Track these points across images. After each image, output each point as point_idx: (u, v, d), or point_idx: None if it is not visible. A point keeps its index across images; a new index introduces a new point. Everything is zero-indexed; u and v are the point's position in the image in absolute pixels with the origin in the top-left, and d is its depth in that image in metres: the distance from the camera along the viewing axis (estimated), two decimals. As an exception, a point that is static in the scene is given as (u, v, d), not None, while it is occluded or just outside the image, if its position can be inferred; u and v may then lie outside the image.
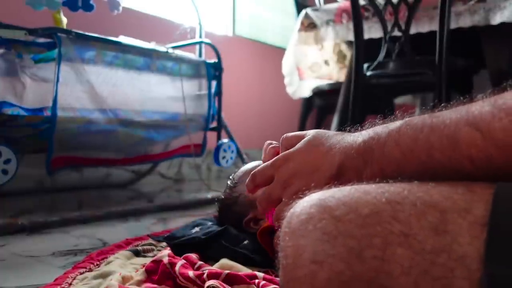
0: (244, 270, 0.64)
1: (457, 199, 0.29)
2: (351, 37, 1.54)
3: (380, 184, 0.34)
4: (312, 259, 0.31)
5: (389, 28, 1.42)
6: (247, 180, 0.50)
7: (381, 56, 1.45)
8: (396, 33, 1.41)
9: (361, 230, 0.30)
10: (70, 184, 1.79)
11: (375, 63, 1.47)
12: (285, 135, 0.51)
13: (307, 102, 2.37)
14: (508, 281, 0.25)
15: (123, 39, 1.45)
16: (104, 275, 0.66)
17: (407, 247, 0.29)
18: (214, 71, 1.68)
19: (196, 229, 0.82)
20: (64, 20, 1.34)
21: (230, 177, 0.87)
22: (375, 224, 0.30)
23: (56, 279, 0.67)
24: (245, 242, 0.73)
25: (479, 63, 1.56)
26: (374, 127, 0.41)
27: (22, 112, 1.15)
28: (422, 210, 0.30)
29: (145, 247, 0.84)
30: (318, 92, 2.19)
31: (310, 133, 0.48)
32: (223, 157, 1.73)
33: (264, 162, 0.51)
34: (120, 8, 1.43)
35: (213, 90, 1.68)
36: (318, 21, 1.77)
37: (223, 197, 0.85)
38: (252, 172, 0.50)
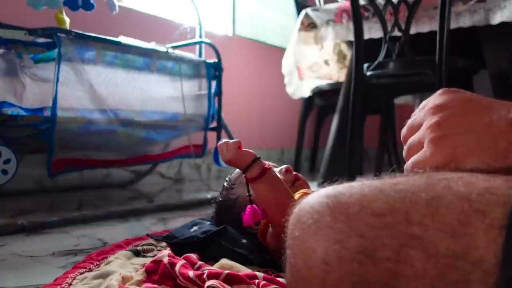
0: (244, 270, 0.64)
1: (474, 201, 0.28)
2: (351, 37, 1.54)
3: (393, 181, 0.33)
4: (323, 259, 0.30)
5: (389, 28, 1.42)
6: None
7: (381, 56, 1.45)
8: (396, 33, 1.41)
9: (373, 230, 0.29)
10: (70, 184, 1.79)
11: (375, 63, 1.47)
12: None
13: (307, 102, 2.37)
14: None
15: (123, 39, 1.44)
16: (104, 275, 0.66)
17: (422, 249, 0.28)
18: (214, 71, 1.68)
19: (195, 228, 0.82)
20: (67, 20, 1.34)
21: (227, 178, 0.87)
22: (389, 224, 0.29)
23: (56, 279, 0.67)
24: (244, 241, 0.73)
25: (479, 63, 1.56)
26: None
27: (22, 112, 1.15)
28: (437, 211, 0.28)
29: (145, 247, 0.84)
30: (318, 92, 2.19)
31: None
32: (223, 157, 1.73)
33: None
34: (117, 8, 1.43)
35: (213, 90, 1.68)
36: (318, 21, 1.77)
37: (220, 199, 0.85)
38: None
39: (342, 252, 0.29)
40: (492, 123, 0.36)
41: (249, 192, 0.71)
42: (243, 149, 0.70)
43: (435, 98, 0.41)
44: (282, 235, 0.35)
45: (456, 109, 0.38)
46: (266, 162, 0.71)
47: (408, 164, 0.40)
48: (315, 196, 0.34)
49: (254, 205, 0.70)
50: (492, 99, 0.39)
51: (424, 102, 0.43)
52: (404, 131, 0.44)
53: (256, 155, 0.70)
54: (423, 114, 0.41)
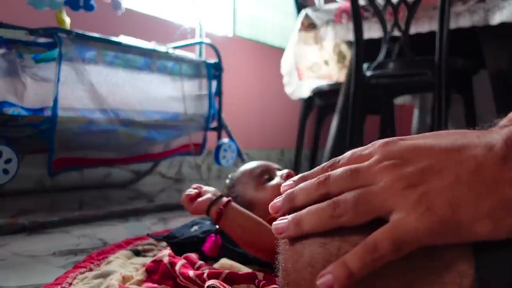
0: (244, 270, 0.64)
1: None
2: (351, 37, 1.54)
3: None
4: (309, 262, 0.31)
5: (389, 28, 1.42)
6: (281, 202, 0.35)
7: (381, 56, 1.45)
8: (396, 33, 1.41)
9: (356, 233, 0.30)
10: (70, 184, 1.79)
11: (375, 63, 1.47)
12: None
13: (307, 102, 2.37)
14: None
15: (123, 39, 1.45)
16: (105, 275, 0.66)
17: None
18: (215, 71, 1.68)
19: (195, 227, 0.82)
20: (67, 20, 1.34)
21: (229, 176, 0.87)
22: None
23: (56, 279, 0.67)
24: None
25: (478, 63, 1.56)
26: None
27: (23, 112, 1.15)
28: None
29: (145, 246, 0.84)
30: (318, 92, 2.19)
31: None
32: (224, 157, 1.74)
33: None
34: (123, 8, 1.43)
35: (213, 90, 1.68)
36: (318, 21, 1.77)
37: None
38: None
39: (325, 256, 0.30)
40: (480, 166, 0.27)
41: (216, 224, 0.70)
42: (198, 200, 0.67)
43: (376, 152, 0.31)
44: (276, 241, 0.36)
45: (419, 161, 0.29)
46: (224, 199, 0.67)
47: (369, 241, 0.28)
48: None
49: (217, 237, 0.70)
50: (435, 132, 0.32)
51: (328, 163, 0.34)
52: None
53: (211, 199, 0.66)
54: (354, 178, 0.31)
